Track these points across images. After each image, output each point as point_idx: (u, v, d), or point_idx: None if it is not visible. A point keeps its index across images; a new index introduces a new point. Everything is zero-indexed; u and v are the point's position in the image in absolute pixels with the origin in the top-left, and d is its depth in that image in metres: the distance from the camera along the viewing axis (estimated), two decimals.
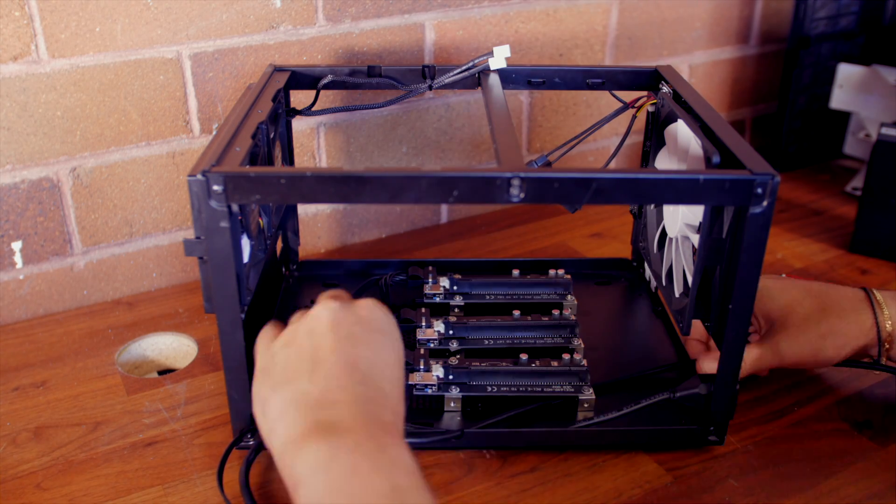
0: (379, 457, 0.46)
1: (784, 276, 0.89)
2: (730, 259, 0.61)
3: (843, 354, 0.70)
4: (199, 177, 0.55)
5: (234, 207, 0.57)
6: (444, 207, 1.08)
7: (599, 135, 1.15)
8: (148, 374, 0.82)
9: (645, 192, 0.58)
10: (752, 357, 0.69)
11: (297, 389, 0.51)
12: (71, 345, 0.81)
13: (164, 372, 0.81)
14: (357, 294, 0.82)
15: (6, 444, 0.68)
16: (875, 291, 0.71)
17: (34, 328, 0.83)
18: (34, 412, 0.71)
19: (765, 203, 0.57)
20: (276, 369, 0.53)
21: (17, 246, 0.82)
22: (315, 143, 0.95)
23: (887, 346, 0.69)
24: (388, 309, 0.58)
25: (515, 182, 0.55)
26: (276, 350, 0.55)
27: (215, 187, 0.55)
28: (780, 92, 1.18)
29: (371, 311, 0.56)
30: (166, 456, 0.66)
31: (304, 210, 0.97)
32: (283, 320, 0.80)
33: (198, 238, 0.58)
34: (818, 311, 0.69)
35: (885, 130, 0.94)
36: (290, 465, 0.47)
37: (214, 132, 0.88)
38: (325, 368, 0.51)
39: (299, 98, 0.87)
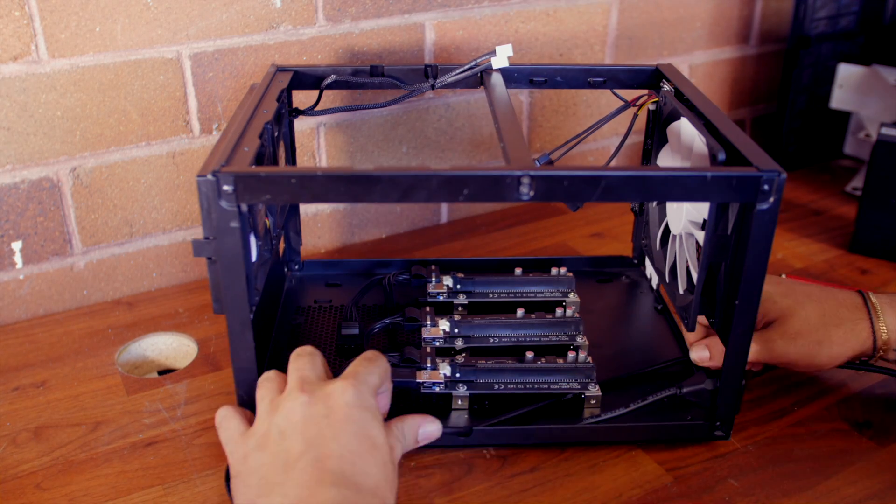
0: None
1: (784, 276, 0.89)
2: (735, 255, 0.61)
3: (836, 363, 0.69)
4: (210, 177, 0.55)
5: (244, 207, 0.56)
6: (444, 207, 1.07)
7: (599, 135, 1.15)
8: (148, 374, 0.82)
9: (653, 190, 0.58)
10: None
11: None
12: (71, 345, 0.80)
13: (164, 372, 0.81)
14: (361, 293, 0.82)
15: (6, 444, 0.67)
16: (871, 297, 0.70)
17: (34, 328, 0.83)
18: (34, 412, 0.71)
19: (771, 199, 0.57)
20: (252, 479, 0.54)
21: (17, 246, 0.82)
22: (315, 143, 0.95)
23: (882, 353, 0.69)
24: (370, 382, 0.57)
25: (525, 180, 0.55)
26: (249, 451, 0.55)
27: (226, 187, 0.55)
28: (780, 92, 1.18)
29: (342, 397, 0.55)
30: (166, 456, 0.66)
31: (305, 210, 0.97)
32: (284, 321, 0.81)
33: (207, 238, 0.57)
34: (817, 317, 0.69)
35: (885, 130, 0.94)
36: None
37: (215, 132, 0.88)
38: (295, 477, 0.51)
39: (299, 98, 0.87)
